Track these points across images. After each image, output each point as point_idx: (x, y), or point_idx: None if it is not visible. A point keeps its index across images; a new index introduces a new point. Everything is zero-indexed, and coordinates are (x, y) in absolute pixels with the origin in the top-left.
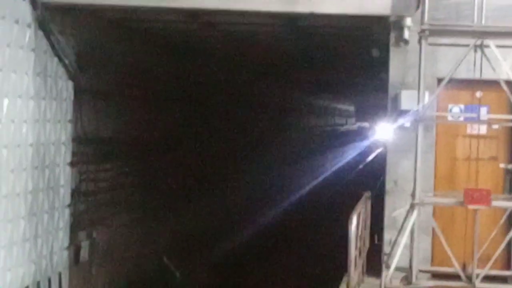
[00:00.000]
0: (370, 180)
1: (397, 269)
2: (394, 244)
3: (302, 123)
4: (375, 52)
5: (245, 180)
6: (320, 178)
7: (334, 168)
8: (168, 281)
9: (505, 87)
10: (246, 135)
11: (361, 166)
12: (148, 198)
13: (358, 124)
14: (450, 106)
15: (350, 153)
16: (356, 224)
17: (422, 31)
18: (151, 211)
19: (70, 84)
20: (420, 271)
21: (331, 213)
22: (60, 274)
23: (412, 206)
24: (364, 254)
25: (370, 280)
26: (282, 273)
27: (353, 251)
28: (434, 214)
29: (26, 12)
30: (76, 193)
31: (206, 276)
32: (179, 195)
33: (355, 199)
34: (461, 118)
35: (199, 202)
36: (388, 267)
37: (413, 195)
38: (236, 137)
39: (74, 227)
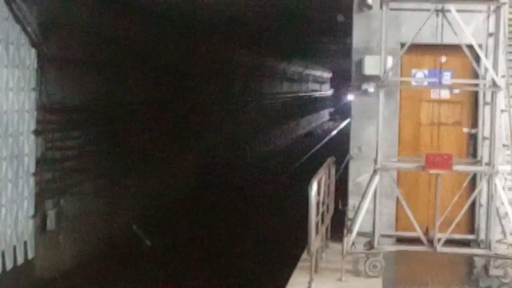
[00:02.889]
0: (344, 146)
1: (361, 234)
2: (357, 209)
3: (275, 89)
4: (340, 18)
5: (217, 145)
6: (290, 144)
7: (305, 134)
8: (138, 249)
9: (467, 52)
10: (219, 102)
11: (334, 132)
12: (117, 166)
13: (333, 90)
14: (413, 71)
15: (323, 119)
16: (317, 189)
17: None
18: (120, 179)
19: (33, 52)
20: (384, 236)
21: (301, 179)
22: (25, 243)
23: (374, 171)
24: (328, 220)
25: (334, 246)
26: (257, 239)
27: (313, 217)
28: (398, 179)
29: None
30: (41, 162)
31: (177, 244)
32: (149, 162)
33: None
34: (425, 83)
35: (169, 169)
36: (350, 232)
37: (375, 160)
38: (207, 103)
39: (41, 196)
